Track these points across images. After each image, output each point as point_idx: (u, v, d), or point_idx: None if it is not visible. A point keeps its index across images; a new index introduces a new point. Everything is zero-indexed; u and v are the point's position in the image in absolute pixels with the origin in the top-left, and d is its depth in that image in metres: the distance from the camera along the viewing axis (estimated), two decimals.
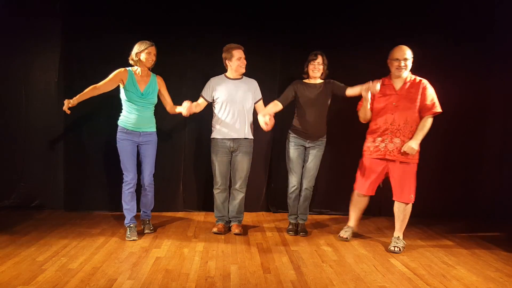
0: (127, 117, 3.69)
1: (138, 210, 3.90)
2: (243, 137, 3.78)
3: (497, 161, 4.69)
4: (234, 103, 3.75)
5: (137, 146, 3.76)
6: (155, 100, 3.78)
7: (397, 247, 3.50)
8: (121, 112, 3.74)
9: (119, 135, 3.67)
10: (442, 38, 4.51)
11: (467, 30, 4.52)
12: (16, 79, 4.44)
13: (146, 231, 3.83)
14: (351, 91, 3.63)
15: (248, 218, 4.36)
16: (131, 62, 3.69)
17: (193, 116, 4.22)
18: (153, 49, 3.67)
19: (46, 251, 3.26)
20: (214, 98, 3.81)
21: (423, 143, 4.60)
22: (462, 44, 4.53)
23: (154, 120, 3.83)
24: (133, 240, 3.62)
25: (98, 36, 4.29)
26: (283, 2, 4.43)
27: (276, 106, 3.74)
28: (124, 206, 3.72)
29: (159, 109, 4.08)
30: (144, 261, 3.12)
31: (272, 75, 4.45)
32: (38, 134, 4.51)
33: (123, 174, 3.70)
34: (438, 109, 3.53)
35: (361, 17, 4.45)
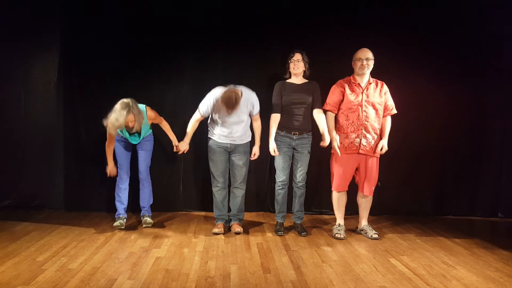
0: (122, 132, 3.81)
1: (134, 208, 3.98)
2: (239, 143, 3.79)
3: (497, 161, 4.70)
4: (231, 119, 3.70)
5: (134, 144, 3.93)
6: (147, 131, 3.89)
7: (376, 233, 3.81)
8: None
9: (116, 137, 3.82)
10: (442, 39, 4.52)
11: (465, 30, 4.54)
12: (15, 79, 4.45)
13: (146, 223, 3.92)
14: (317, 119, 3.79)
15: (248, 218, 4.36)
16: None
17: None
18: (130, 118, 3.44)
19: (46, 251, 3.26)
20: (212, 113, 3.73)
21: (422, 144, 4.65)
22: (461, 45, 4.54)
23: (148, 129, 3.91)
24: (117, 225, 3.81)
25: (98, 36, 4.30)
26: (283, 3, 4.43)
27: (276, 120, 3.81)
28: (116, 198, 3.95)
29: (159, 109, 4.09)
30: (144, 261, 3.12)
31: (271, 73, 4.44)
32: (38, 134, 4.51)
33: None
34: (395, 110, 3.84)
35: (359, 16, 4.45)
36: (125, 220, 3.95)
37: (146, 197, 4.01)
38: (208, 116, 3.80)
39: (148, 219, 3.96)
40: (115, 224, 3.86)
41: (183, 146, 3.79)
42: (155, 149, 4.13)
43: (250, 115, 3.80)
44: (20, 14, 4.37)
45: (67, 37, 4.36)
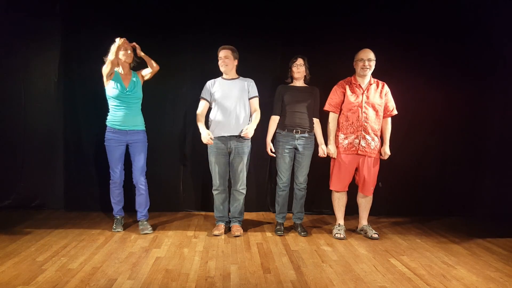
0: (114, 115, 3.75)
1: (132, 207, 3.96)
2: (237, 134, 3.75)
3: (497, 161, 4.70)
4: (228, 103, 3.73)
5: (127, 146, 3.82)
6: (140, 95, 3.81)
7: (376, 233, 3.82)
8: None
9: (106, 135, 3.78)
10: (441, 41, 4.51)
11: (466, 29, 4.54)
12: (15, 79, 4.44)
13: (145, 231, 3.81)
14: (316, 127, 3.92)
15: (248, 218, 4.37)
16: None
17: (193, 116, 4.23)
18: (125, 41, 3.69)
19: (46, 251, 3.26)
20: (212, 97, 3.81)
21: (422, 144, 4.64)
22: (461, 47, 4.54)
23: (141, 119, 3.86)
24: (118, 231, 3.80)
25: (98, 36, 4.29)
26: (284, 5, 4.43)
27: (275, 122, 3.91)
28: (112, 200, 3.92)
29: (160, 109, 4.08)
30: (144, 261, 3.12)
31: (272, 75, 4.44)
32: (38, 134, 4.51)
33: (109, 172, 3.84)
34: (395, 111, 3.84)
35: (359, 18, 4.44)
36: (123, 220, 3.97)
37: (142, 202, 3.91)
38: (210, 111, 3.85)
39: (147, 231, 3.81)
40: (114, 229, 3.86)
41: (206, 138, 3.61)
42: (155, 149, 4.12)
43: (248, 100, 3.82)
44: (20, 14, 4.37)
45: (67, 37, 4.35)
